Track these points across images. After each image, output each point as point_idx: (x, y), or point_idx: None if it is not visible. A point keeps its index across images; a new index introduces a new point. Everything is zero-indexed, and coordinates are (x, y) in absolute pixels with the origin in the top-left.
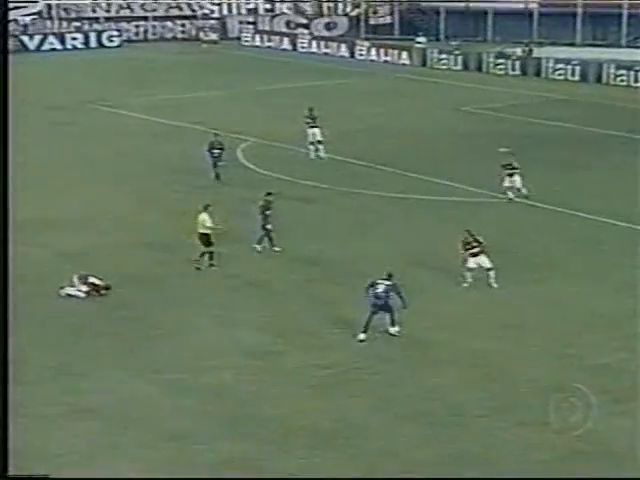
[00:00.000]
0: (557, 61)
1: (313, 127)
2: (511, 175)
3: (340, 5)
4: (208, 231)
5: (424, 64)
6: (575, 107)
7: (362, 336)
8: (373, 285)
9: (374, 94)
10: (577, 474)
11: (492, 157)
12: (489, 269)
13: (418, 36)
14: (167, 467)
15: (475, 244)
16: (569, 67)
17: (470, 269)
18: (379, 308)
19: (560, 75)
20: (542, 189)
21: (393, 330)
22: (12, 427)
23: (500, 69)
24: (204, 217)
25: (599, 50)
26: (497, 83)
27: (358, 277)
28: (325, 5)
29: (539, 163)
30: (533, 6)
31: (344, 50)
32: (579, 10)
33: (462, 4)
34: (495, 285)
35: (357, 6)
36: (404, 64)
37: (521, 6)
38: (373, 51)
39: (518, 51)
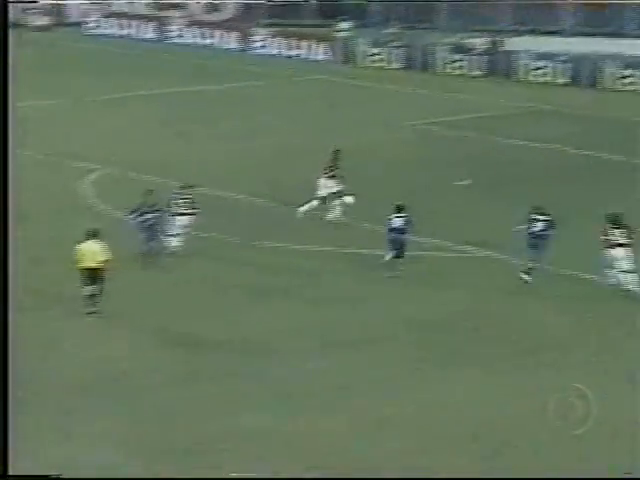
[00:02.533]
0: (537, 56)
1: (329, 176)
2: None
3: None
4: (99, 265)
5: (350, 60)
6: (563, 121)
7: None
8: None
9: (278, 103)
10: None
11: (451, 192)
12: None
13: (341, 21)
14: None
15: None
16: (554, 65)
17: None
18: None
19: (541, 76)
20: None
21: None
22: None
23: (457, 68)
24: (92, 247)
25: (595, 41)
26: (453, 87)
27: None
28: None
29: (518, 202)
30: None
31: (234, 41)
32: None
33: None
34: None
35: None
36: (321, 60)
37: None
38: (276, 42)
39: (482, 43)
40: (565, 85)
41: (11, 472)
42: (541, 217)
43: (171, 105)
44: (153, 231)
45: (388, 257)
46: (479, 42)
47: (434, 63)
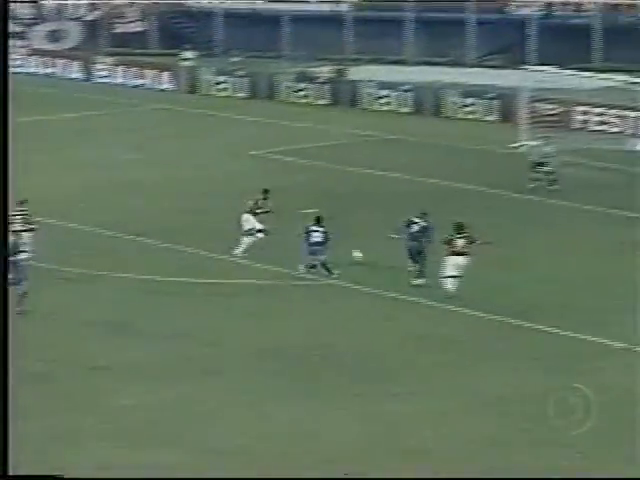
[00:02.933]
0: (381, 85)
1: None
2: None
3: (70, 5)
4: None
5: (195, 90)
6: (407, 150)
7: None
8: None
9: (122, 134)
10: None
11: (296, 220)
12: None
13: (185, 50)
14: None
15: None
16: (397, 94)
17: None
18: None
19: (385, 105)
20: (371, 265)
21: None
22: None
23: (302, 97)
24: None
25: (438, 70)
26: (298, 116)
27: None
28: (48, 4)
29: (361, 231)
30: (344, 8)
31: (77, 69)
32: (408, 15)
33: (245, 4)
34: None
35: (96, 7)
36: (166, 89)
37: (327, 9)
38: (120, 71)
39: (326, 71)
40: (408, 114)
41: (11, 472)
42: (417, 221)
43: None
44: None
45: (302, 268)
46: (324, 71)
47: (279, 92)
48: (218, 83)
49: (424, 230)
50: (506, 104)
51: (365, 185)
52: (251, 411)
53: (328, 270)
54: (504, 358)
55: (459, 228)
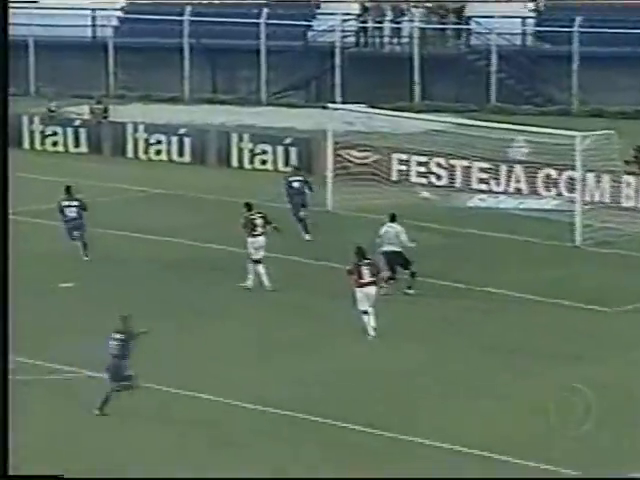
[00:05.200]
0: (152, 129)
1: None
2: None
3: None
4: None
5: None
6: (183, 208)
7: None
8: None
9: None
10: None
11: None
12: None
13: None
14: None
15: None
16: (174, 139)
17: None
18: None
19: (157, 154)
20: None
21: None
22: None
23: (52, 144)
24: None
25: (224, 109)
26: (48, 168)
27: None
28: None
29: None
30: (107, 33)
31: None
32: (186, 41)
33: None
34: None
35: None
36: None
37: (85, 34)
38: None
39: (83, 111)
40: (189, 164)
41: (11, 472)
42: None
43: None
44: None
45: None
46: (79, 111)
47: (22, 137)
48: None
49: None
50: (307, 150)
51: (121, 251)
52: None
53: None
54: None
55: (363, 253)
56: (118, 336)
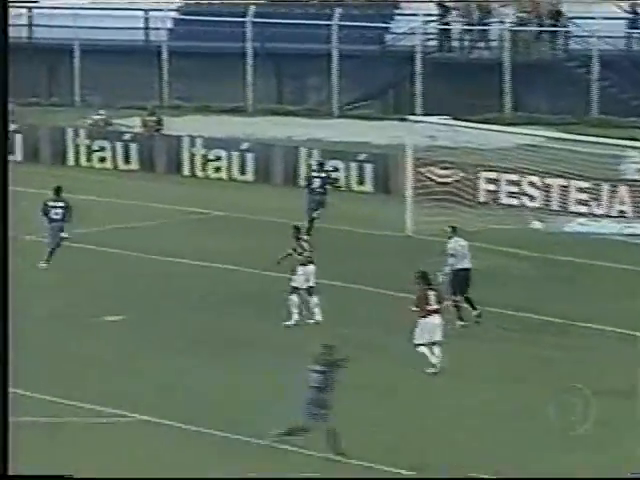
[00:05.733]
0: (212, 143)
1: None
2: None
3: None
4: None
5: None
6: (251, 233)
7: None
8: None
9: None
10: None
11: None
12: None
13: None
14: None
15: None
16: (234, 154)
17: None
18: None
19: (216, 171)
20: None
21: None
22: None
23: (100, 159)
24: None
25: (291, 122)
26: (90, 186)
27: None
28: None
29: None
30: (161, 36)
31: None
32: (249, 45)
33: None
34: None
35: None
36: None
37: (137, 37)
38: None
39: (133, 124)
40: (252, 183)
41: (11, 472)
42: None
43: None
44: None
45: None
46: (130, 123)
47: (66, 153)
48: None
49: None
50: (384, 168)
51: (176, 281)
52: None
53: None
54: None
55: (428, 278)
56: (319, 368)
